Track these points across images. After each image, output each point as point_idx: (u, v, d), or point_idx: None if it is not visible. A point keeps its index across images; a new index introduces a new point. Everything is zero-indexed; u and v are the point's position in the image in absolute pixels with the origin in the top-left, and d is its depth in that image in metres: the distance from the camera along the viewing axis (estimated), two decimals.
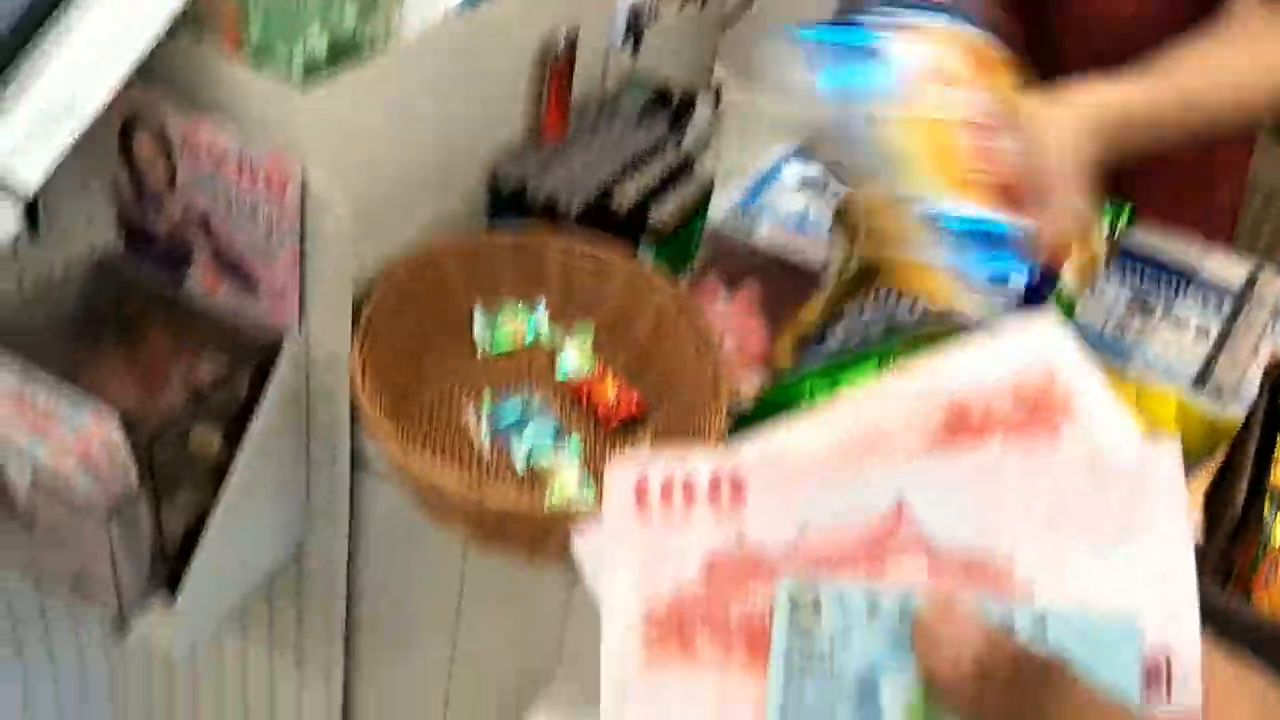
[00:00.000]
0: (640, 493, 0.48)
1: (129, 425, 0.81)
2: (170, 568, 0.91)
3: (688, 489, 0.47)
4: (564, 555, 0.84)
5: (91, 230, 0.93)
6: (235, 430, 0.91)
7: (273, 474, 0.94)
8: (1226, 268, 1.21)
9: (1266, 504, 0.86)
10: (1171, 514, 0.45)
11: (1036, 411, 0.48)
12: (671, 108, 1.12)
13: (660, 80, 1.15)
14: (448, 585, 1.01)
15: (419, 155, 0.91)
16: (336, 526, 1.00)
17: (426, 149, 0.92)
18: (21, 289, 0.97)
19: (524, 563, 0.82)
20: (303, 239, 0.84)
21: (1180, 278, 1.19)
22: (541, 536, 0.77)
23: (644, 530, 0.47)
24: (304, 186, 0.81)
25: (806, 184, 1.24)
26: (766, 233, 1.17)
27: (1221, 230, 1.30)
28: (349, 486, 0.98)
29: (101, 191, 0.91)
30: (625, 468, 0.48)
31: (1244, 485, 0.92)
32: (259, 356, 0.90)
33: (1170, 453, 0.46)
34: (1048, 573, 0.45)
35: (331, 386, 0.91)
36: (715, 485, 0.47)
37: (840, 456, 0.48)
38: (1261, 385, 0.93)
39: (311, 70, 0.80)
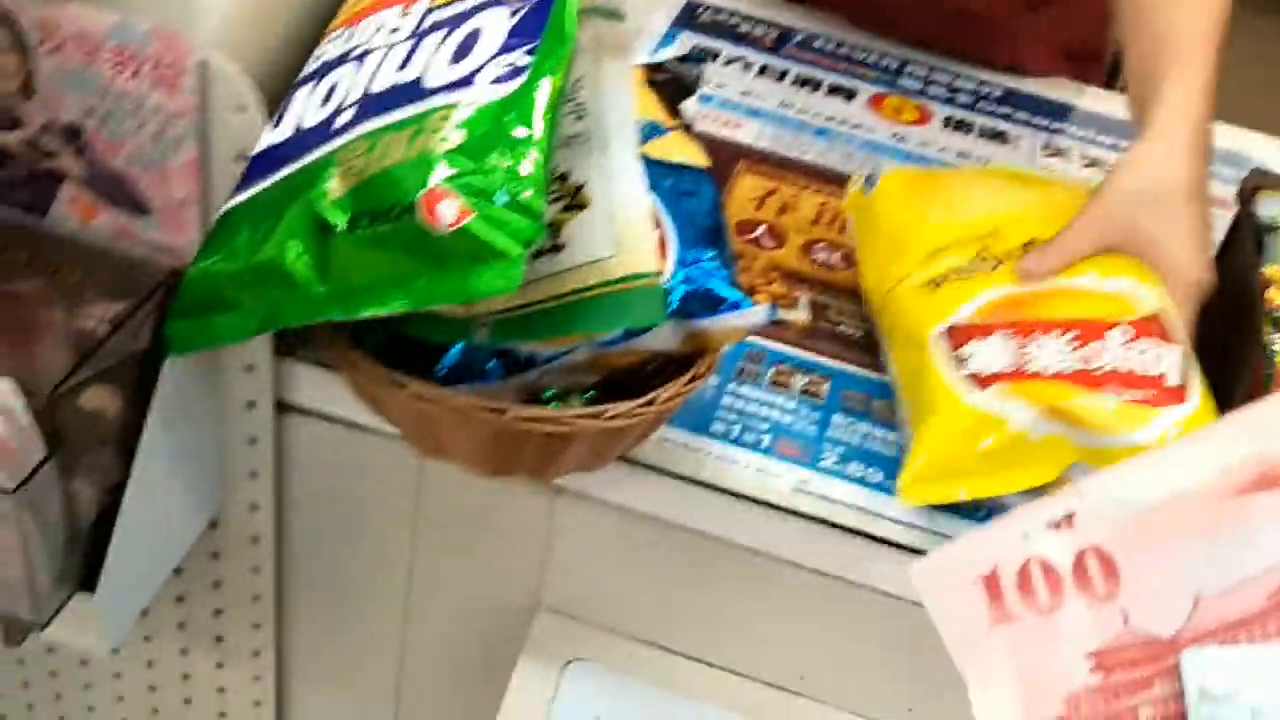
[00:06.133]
0: (992, 589, 0.40)
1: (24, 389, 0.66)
2: (82, 557, 0.76)
3: (1049, 575, 0.40)
4: (572, 468, 0.73)
5: None
6: (133, 384, 0.76)
7: (189, 431, 0.79)
8: (1107, 102, 1.18)
9: (1266, 326, 0.82)
10: None
11: None
12: None
13: None
14: (398, 529, 0.89)
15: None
16: (261, 481, 0.86)
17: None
18: None
19: (533, 482, 0.71)
20: (203, 139, 0.70)
21: (1085, 119, 1.14)
22: (561, 449, 0.66)
23: (1009, 633, 0.39)
24: (203, 72, 0.67)
25: None
26: None
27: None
28: (274, 433, 0.84)
29: None
30: (956, 562, 0.40)
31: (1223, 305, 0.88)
32: (158, 291, 0.74)
33: None
34: None
35: None
36: (1080, 565, 0.40)
37: (1213, 504, 0.40)
38: (1241, 201, 0.89)
39: None
